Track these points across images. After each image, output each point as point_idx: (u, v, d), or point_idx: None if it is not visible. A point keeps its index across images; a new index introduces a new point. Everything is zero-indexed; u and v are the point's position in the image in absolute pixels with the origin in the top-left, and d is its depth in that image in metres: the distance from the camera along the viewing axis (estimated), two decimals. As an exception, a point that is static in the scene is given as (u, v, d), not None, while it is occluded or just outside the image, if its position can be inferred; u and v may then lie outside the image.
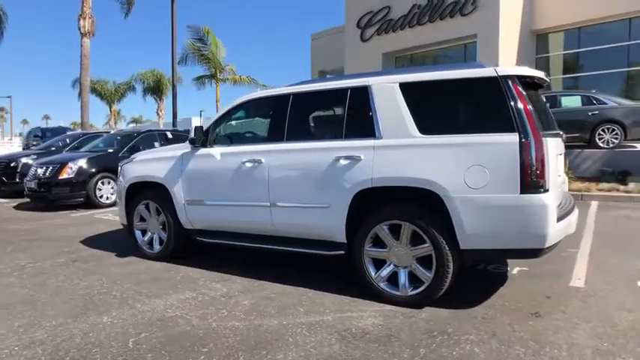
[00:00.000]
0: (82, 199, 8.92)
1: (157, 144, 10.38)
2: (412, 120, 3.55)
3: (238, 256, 5.08)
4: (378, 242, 3.69)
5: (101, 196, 9.10)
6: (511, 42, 16.40)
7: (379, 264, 3.71)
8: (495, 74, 3.33)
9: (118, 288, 4.16)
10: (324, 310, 3.55)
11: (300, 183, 4.00)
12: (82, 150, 10.62)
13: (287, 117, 4.18)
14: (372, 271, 3.70)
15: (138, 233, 5.25)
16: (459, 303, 3.56)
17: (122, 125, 45.03)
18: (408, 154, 3.49)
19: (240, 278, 4.35)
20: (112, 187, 9.24)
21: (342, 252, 3.91)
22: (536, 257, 3.31)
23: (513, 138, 3.16)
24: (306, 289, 3.98)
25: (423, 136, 3.48)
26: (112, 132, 12.35)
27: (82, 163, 9.01)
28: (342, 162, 3.75)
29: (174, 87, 15.92)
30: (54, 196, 8.84)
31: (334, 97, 4.07)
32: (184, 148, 4.89)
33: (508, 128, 3.20)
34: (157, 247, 5.08)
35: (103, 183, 9.13)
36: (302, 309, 3.57)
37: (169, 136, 10.76)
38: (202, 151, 4.62)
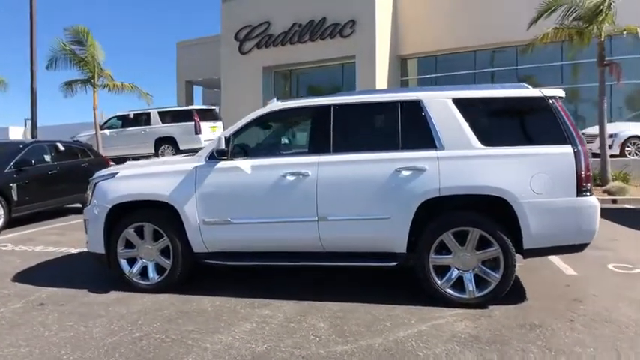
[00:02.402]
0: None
1: (47, 157, 8.76)
2: (472, 132, 3.82)
3: (234, 275, 4.69)
4: (442, 249, 3.84)
5: (-18, 223, 7.25)
6: (383, 64, 18.12)
7: (442, 270, 3.86)
8: (542, 95, 3.82)
9: (151, 329, 3.46)
10: (409, 321, 3.54)
11: (355, 195, 3.91)
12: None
13: (331, 128, 4.05)
14: (437, 278, 3.83)
15: (123, 262, 4.41)
16: (506, 298, 3.89)
17: None
18: (475, 164, 3.75)
19: (279, 301, 4.00)
20: (-3, 211, 7.45)
21: (396, 263, 3.95)
22: (581, 251, 3.87)
23: (568, 149, 3.67)
24: (364, 304, 3.87)
25: (486, 147, 3.78)
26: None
27: (-44, 182, 7.06)
28: (405, 173, 3.81)
29: (32, 92, 13.46)
30: None
31: (383, 109, 4.11)
32: (192, 160, 4.32)
33: (561, 140, 3.70)
34: (153, 276, 4.34)
35: (-15, 206, 7.29)
36: (388, 323, 3.50)
37: (61, 148, 9.13)
38: (225, 164, 4.15)
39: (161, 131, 14.24)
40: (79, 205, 9.77)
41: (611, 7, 9.90)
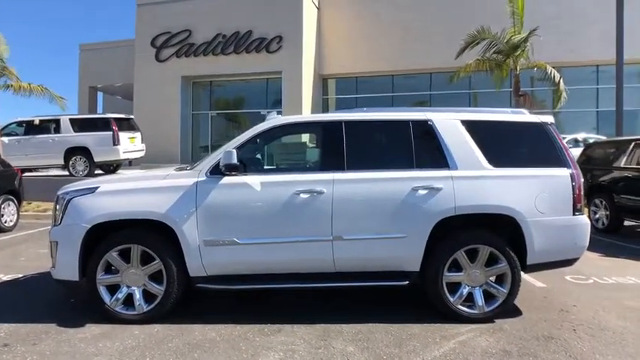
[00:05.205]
0: None
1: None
2: (481, 153, 4.00)
3: (217, 300, 4.37)
4: (454, 267, 3.94)
5: None
6: (308, 82, 18.39)
7: (453, 287, 3.95)
8: (540, 120, 4.15)
9: (168, 367, 3.04)
10: (434, 339, 3.55)
11: (372, 214, 3.87)
12: None
13: (344, 145, 3.98)
14: (449, 296, 3.90)
15: (103, 290, 3.83)
16: (504, 312, 4.09)
17: None
18: (487, 184, 3.92)
19: (288, 326, 3.78)
20: None
21: (408, 282, 3.97)
22: (572, 265, 4.21)
23: (565, 171, 4.01)
24: (376, 324, 3.79)
25: (494, 168, 3.98)
26: None
27: None
28: (421, 191, 3.86)
29: None
30: None
31: (394, 128, 4.13)
32: (189, 175, 3.94)
33: (558, 163, 4.04)
34: (141, 305, 3.82)
35: None
36: (416, 343, 3.48)
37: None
38: (232, 179, 3.84)
39: (73, 140, 12.77)
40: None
41: (527, 43, 11.22)
